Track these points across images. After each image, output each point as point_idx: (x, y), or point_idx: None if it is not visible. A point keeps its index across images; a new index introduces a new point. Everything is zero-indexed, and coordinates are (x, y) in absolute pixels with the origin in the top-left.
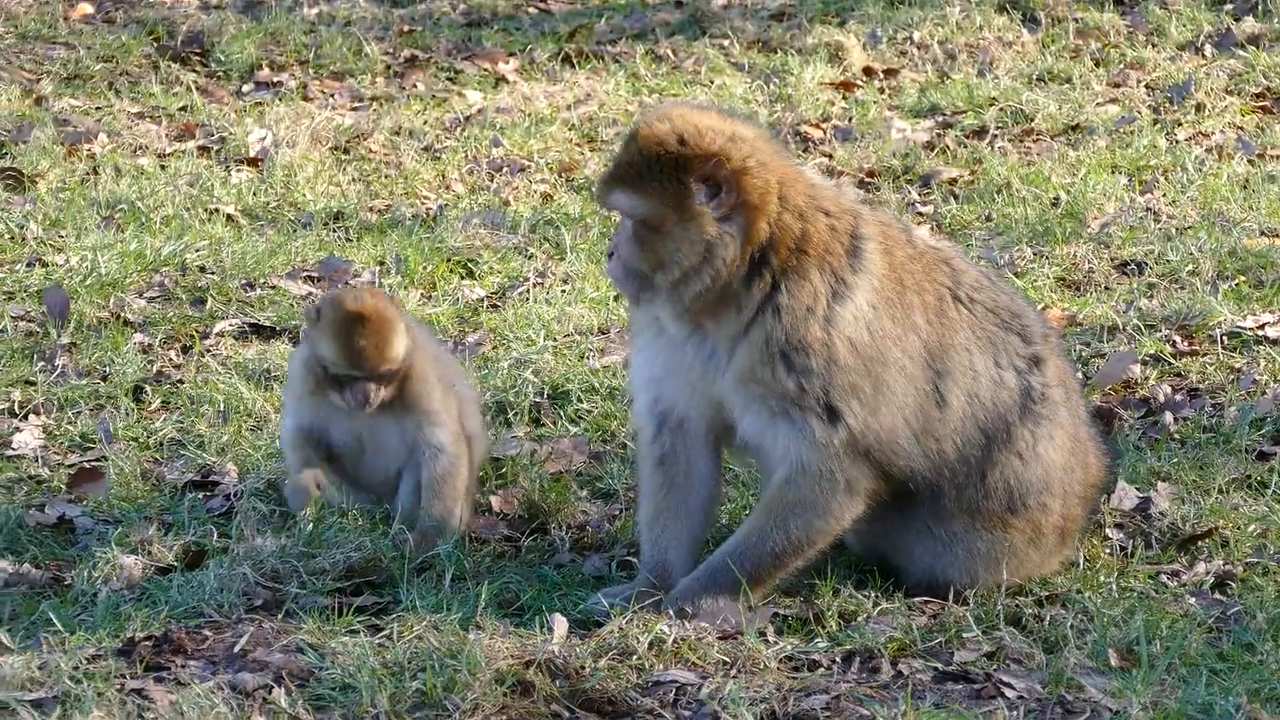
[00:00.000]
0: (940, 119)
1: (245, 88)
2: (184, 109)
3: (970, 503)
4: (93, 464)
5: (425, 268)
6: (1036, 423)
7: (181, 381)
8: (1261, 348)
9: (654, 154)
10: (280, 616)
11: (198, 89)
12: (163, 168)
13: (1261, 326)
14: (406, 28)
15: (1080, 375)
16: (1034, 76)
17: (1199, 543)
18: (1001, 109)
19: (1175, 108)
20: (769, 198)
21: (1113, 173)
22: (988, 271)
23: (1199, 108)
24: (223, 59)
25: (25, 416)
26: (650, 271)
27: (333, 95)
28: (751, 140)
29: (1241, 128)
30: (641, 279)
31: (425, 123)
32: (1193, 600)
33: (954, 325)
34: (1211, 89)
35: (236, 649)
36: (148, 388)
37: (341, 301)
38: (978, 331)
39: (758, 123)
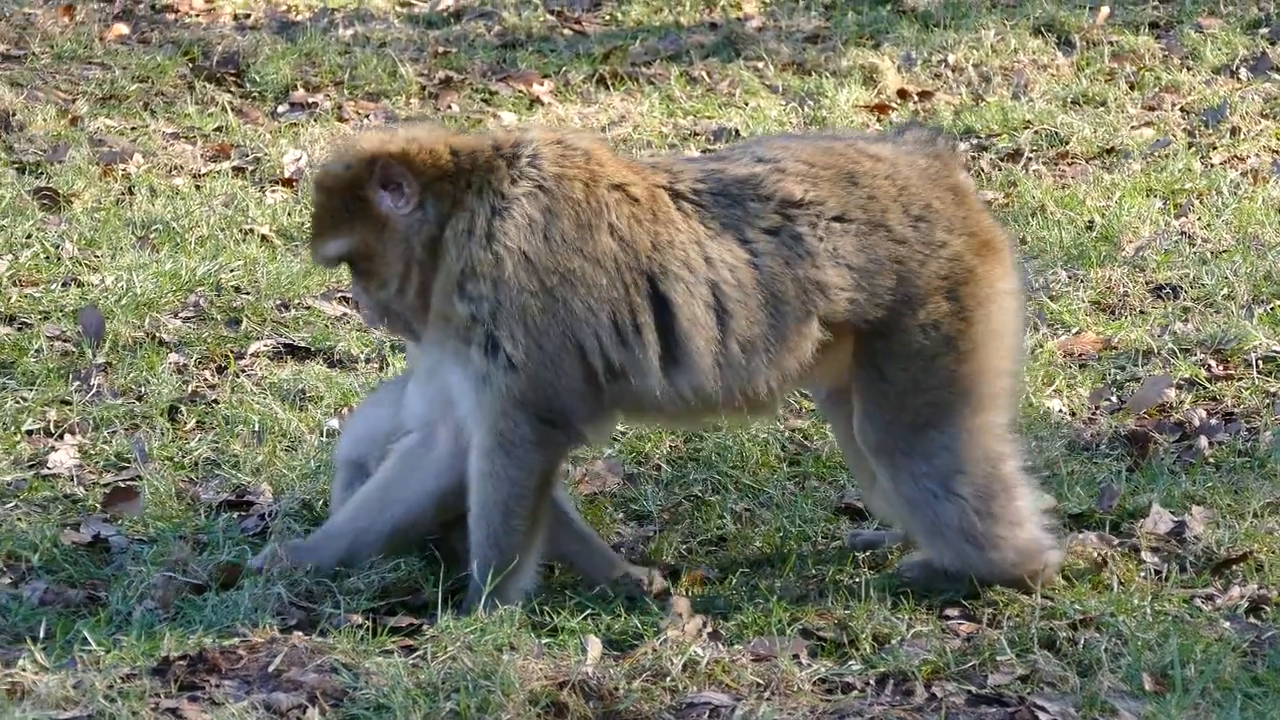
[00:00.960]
0: (975, 142)
1: (280, 108)
2: (219, 129)
3: (891, 347)
4: (128, 483)
5: None
6: (835, 244)
7: (216, 401)
8: None
9: (330, 190)
10: (315, 636)
11: (233, 109)
12: (198, 188)
13: None
14: (441, 49)
15: (1115, 399)
16: (1069, 99)
17: (1233, 567)
18: (1036, 132)
19: (1210, 131)
20: (442, 164)
21: (1147, 196)
22: (728, 154)
23: (1234, 131)
24: (258, 80)
25: (61, 436)
26: (378, 295)
27: (367, 116)
28: (411, 131)
29: (1277, 151)
30: (385, 310)
31: None
32: (1227, 624)
33: (671, 221)
34: (1247, 112)
35: (271, 668)
36: (183, 408)
37: None
38: (709, 223)
39: (433, 121)
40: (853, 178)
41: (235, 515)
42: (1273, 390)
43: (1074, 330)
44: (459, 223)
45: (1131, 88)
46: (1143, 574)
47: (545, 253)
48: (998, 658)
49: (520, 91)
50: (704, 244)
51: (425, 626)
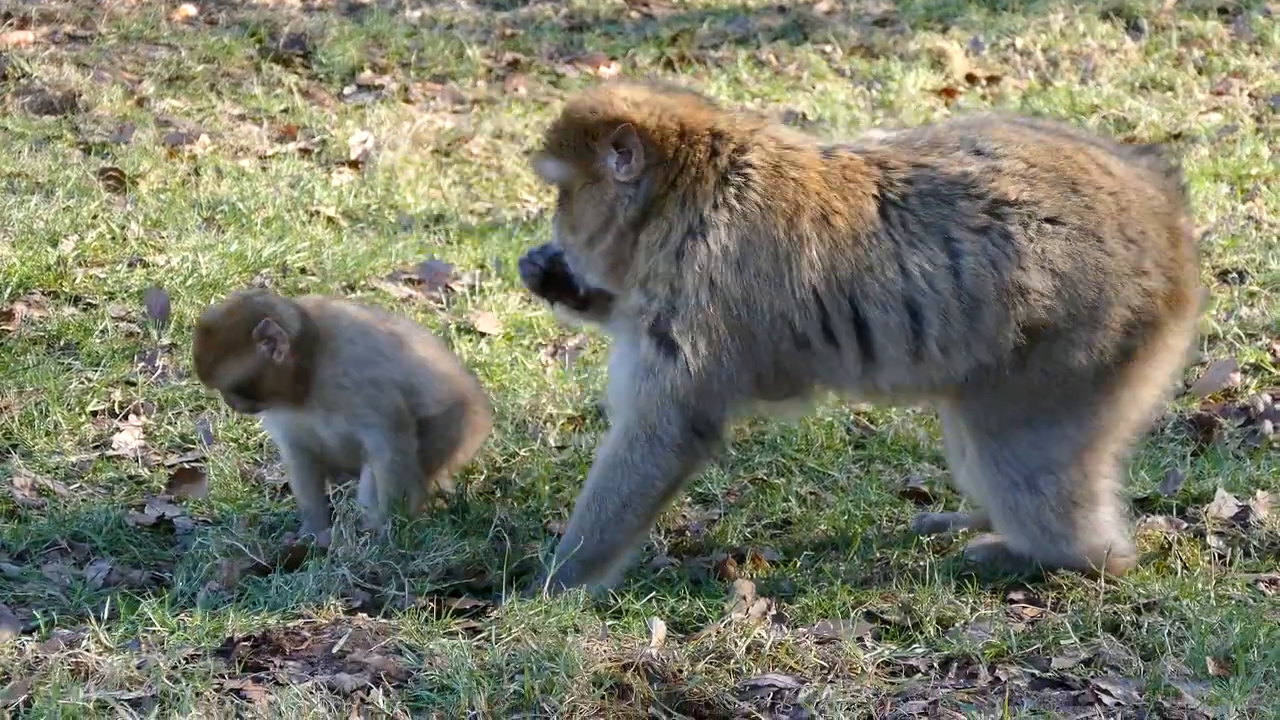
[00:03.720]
0: None
1: (347, 90)
2: (285, 111)
3: (1049, 349)
4: (192, 465)
5: None
6: (1044, 246)
7: None
8: None
9: (570, 122)
10: (379, 618)
11: (299, 91)
12: (264, 169)
13: None
14: (509, 31)
15: (1180, 384)
16: (1137, 84)
17: None
18: (1104, 116)
19: (1278, 116)
20: (670, 154)
21: (1215, 181)
22: (944, 139)
23: None
24: (324, 61)
25: (126, 417)
26: (569, 235)
27: (434, 98)
28: (663, 102)
29: None
30: (567, 247)
31: (527, 126)
32: None
33: (873, 239)
34: None
35: (335, 650)
36: None
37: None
38: (913, 226)
39: (695, 91)
40: (1075, 184)
41: None
42: None
43: None
44: (654, 230)
45: (1199, 72)
46: (1207, 558)
47: (734, 284)
48: (1061, 641)
49: (587, 73)
50: (903, 254)
51: (490, 608)
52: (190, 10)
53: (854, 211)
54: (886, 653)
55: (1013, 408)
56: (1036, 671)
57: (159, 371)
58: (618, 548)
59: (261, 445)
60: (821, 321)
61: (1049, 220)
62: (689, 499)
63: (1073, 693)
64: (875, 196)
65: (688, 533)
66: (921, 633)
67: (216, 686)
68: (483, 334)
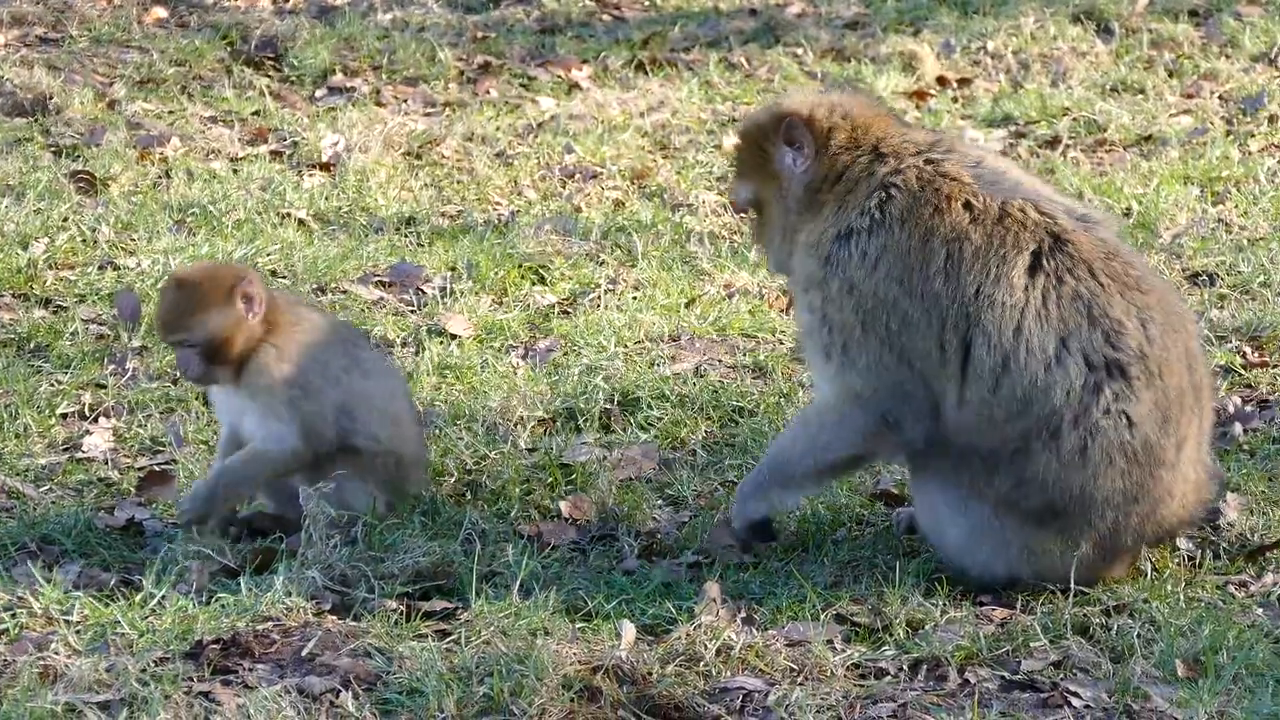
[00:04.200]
0: (1013, 129)
1: (318, 93)
2: (257, 113)
3: (1002, 493)
4: (162, 467)
5: (496, 274)
6: (1094, 434)
7: None
8: None
9: (743, 137)
10: (349, 620)
11: (271, 94)
12: (235, 172)
13: None
14: (480, 34)
15: None
16: (1107, 87)
17: (1267, 554)
18: (1075, 119)
19: (1248, 119)
20: (835, 150)
21: (1185, 183)
22: (1146, 282)
23: (1272, 119)
24: (296, 64)
25: (95, 419)
26: (765, 248)
27: (406, 101)
28: (830, 100)
29: None
30: (773, 258)
31: (498, 129)
32: (1260, 611)
33: (1006, 283)
34: None
35: (304, 653)
36: None
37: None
38: (1049, 305)
39: (869, 94)
40: (1165, 430)
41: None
42: None
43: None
44: (809, 233)
45: (1170, 75)
46: (1176, 560)
47: (868, 284)
48: (1031, 644)
49: (559, 76)
50: (1026, 316)
51: (459, 611)
52: (161, 13)
53: (995, 250)
54: (856, 655)
55: (951, 466)
56: (1006, 674)
57: (129, 374)
58: (788, 485)
59: None
60: (939, 335)
61: (1127, 418)
62: (659, 501)
63: (1042, 695)
64: (1032, 253)
65: (658, 535)
66: (891, 635)
67: (185, 689)
68: (453, 336)
